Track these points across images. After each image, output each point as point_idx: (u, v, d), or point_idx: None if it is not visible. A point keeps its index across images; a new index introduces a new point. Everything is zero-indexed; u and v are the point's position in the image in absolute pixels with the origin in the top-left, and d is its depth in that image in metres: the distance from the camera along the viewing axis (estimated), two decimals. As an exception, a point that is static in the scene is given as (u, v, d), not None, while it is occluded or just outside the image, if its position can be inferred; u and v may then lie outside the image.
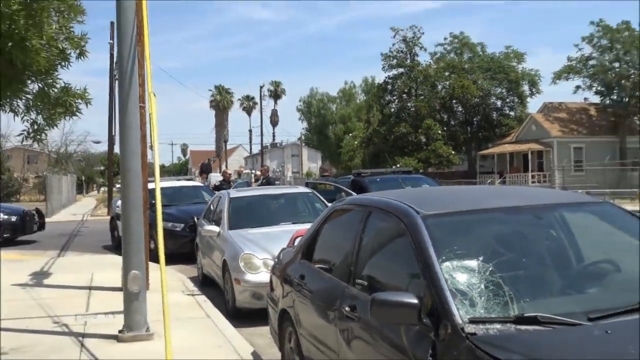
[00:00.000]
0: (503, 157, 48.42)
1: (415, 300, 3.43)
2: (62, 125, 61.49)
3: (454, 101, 52.45)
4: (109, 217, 20.82)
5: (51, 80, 5.66)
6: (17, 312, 8.43)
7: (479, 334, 3.16)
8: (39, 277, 11.35)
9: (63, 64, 5.71)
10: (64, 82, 5.95)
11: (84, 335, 7.18)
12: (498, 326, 3.20)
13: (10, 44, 4.79)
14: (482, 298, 3.39)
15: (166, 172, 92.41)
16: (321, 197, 11.51)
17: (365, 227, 4.65)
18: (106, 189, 40.16)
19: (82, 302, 9.08)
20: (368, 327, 3.98)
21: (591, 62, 46.40)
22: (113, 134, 30.85)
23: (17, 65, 5.00)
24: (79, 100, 5.96)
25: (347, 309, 4.28)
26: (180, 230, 14.07)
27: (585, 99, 48.77)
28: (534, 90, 53.25)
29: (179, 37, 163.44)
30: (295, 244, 6.34)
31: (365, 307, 3.66)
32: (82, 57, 5.88)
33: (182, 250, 13.54)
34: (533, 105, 58.34)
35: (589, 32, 46.25)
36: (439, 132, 49.51)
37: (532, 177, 44.17)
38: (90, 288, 10.12)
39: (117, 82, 7.35)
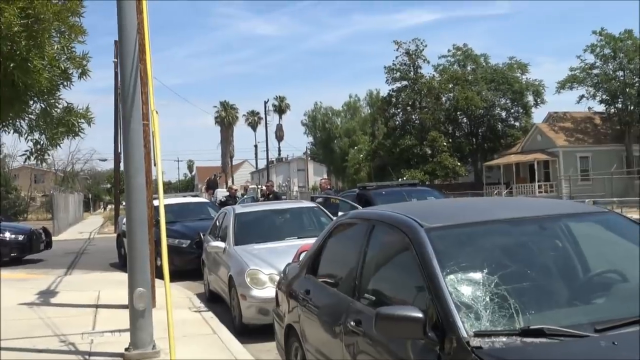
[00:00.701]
0: (509, 168, 48.33)
1: (419, 314, 3.40)
2: (68, 143, 61.95)
3: (458, 113, 52.43)
4: (115, 235, 20.84)
5: (53, 101, 5.68)
6: (23, 331, 8.42)
7: (484, 347, 3.13)
8: (46, 296, 11.34)
9: (65, 83, 5.73)
10: (66, 102, 5.98)
11: (90, 354, 7.16)
12: (504, 339, 3.17)
13: (12, 65, 4.82)
14: (488, 311, 3.36)
15: (173, 188, 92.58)
16: (326, 211, 11.50)
17: (369, 241, 4.64)
18: (113, 206, 40.21)
19: (89, 320, 9.06)
20: (373, 341, 3.95)
21: (595, 71, 46.38)
22: (119, 151, 30.93)
23: (19, 86, 5.02)
24: (82, 120, 5.97)
25: (352, 323, 4.26)
26: (186, 246, 14.06)
27: (590, 108, 48.73)
28: (538, 100, 53.18)
29: (182, 53, 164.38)
30: (301, 258, 6.32)
31: (371, 322, 3.64)
32: (84, 77, 5.90)
33: (189, 267, 13.52)
34: (538, 115, 58.11)
35: (590, 41, 46.27)
36: (444, 144, 49.48)
37: (539, 187, 44.06)
38: (97, 306, 10.11)
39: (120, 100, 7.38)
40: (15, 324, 8.90)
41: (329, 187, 18.76)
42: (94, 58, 6.10)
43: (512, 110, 53.48)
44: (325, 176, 73.52)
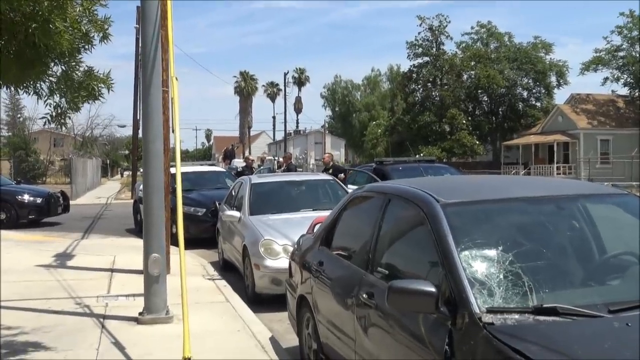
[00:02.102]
0: (528, 148, 47.92)
1: (432, 289, 3.40)
2: (88, 108, 62.16)
3: (479, 91, 51.98)
4: (132, 201, 21.01)
5: (74, 63, 5.68)
6: (39, 292, 8.55)
7: (496, 323, 3.13)
8: (63, 259, 11.49)
9: (86, 47, 5.72)
10: (87, 66, 5.96)
11: (104, 317, 7.26)
12: (516, 316, 3.17)
13: (33, 25, 4.82)
14: (501, 288, 3.35)
15: (190, 157, 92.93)
16: (342, 184, 11.50)
17: (384, 215, 4.63)
18: (130, 173, 40.46)
19: (104, 284, 9.17)
20: (385, 314, 3.97)
21: (620, 54, 45.64)
22: (138, 118, 31.00)
23: (40, 48, 5.03)
24: (102, 85, 5.97)
25: (364, 296, 4.27)
26: (201, 215, 14.14)
27: (613, 91, 48.04)
28: (561, 81, 52.58)
29: (203, 22, 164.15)
30: (315, 230, 6.33)
31: (383, 295, 3.64)
32: (105, 40, 5.88)
33: (204, 235, 13.62)
34: (560, 96, 57.48)
35: (618, 23, 45.48)
36: (464, 121, 49.15)
37: (558, 168, 43.69)
38: (112, 270, 10.23)
39: (141, 66, 7.38)
40: (32, 285, 9.04)
41: (331, 161, 18.94)
42: (116, 24, 6.08)
43: (534, 91, 52.91)
44: (343, 149, 73.40)
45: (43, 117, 6.11)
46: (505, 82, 50.19)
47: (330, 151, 72.69)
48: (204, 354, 5.74)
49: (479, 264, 3.54)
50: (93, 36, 5.81)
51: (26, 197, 18.85)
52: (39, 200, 19.03)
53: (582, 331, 3.06)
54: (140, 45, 7.22)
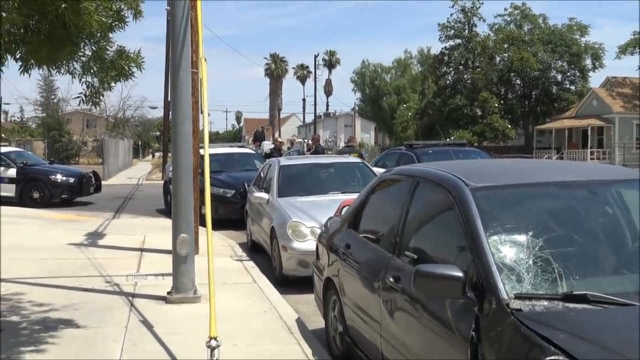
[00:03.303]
0: (561, 133, 47.13)
1: (459, 274, 3.36)
2: (120, 90, 62.63)
3: (512, 74, 51.13)
4: (162, 182, 21.19)
5: (104, 43, 5.70)
6: (71, 270, 8.68)
7: (524, 310, 3.08)
8: (94, 238, 11.65)
9: (119, 25, 5.74)
10: (118, 46, 5.98)
11: (133, 295, 7.35)
12: (545, 303, 3.12)
13: (63, 5, 4.84)
14: (530, 274, 3.30)
15: (220, 139, 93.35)
16: (370, 167, 11.44)
17: (412, 198, 4.58)
18: (161, 154, 40.79)
19: (134, 263, 9.28)
20: (411, 298, 3.93)
21: (659, 36, 44.52)
22: (169, 100, 31.21)
23: (70, 27, 5.04)
24: (132, 64, 5.98)
25: (391, 279, 4.24)
26: (230, 196, 14.21)
27: (651, 74, 46.88)
28: (596, 64, 51.40)
29: (233, 4, 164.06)
30: (343, 213, 6.31)
31: (410, 279, 3.61)
32: (137, 17, 5.90)
33: (233, 217, 13.69)
34: (595, 79, 56.12)
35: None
36: (496, 105, 48.42)
37: (591, 153, 42.94)
38: (142, 250, 10.34)
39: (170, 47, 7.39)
40: (64, 263, 9.19)
41: (351, 143, 19.10)
42: (147, 5, 6.09)
43: (568, 74, 51.86)
44: (372, 132, 73.10)
45: (77, 97, 6.17)
46: (539, 64, 49.26)
47: (360, 134, 72.38)
48: (230, 334, 5.77)
49: (507, 249, 3.48)
50: (125, 14, 5.81)
51: (59, 177, 19.16)
52: (71, 180, 19.32)
53: (612, 320, 3.00)
54: (170, 26, 7.23)
